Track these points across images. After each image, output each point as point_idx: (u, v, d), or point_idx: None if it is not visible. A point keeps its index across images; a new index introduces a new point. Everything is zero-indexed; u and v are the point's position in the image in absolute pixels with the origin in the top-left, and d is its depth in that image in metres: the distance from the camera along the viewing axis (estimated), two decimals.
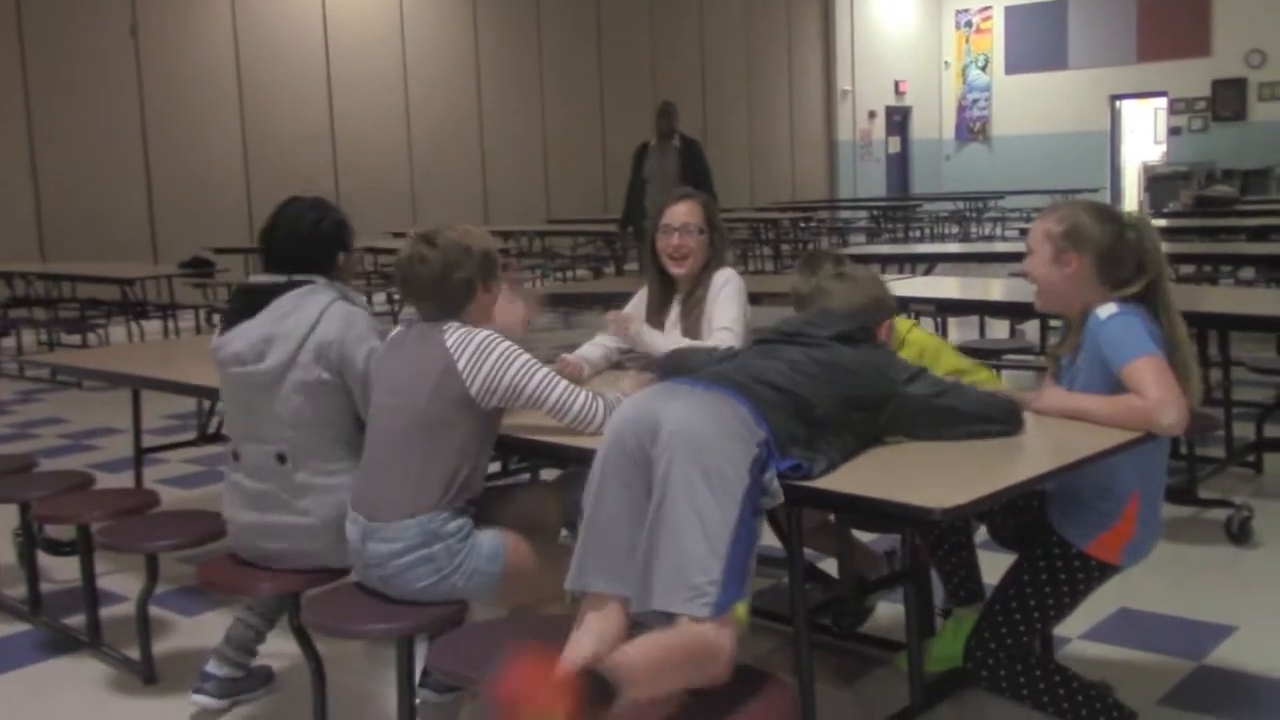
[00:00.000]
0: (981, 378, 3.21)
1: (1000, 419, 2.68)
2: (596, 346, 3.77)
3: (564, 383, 2.87)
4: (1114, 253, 2.80)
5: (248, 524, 3.14)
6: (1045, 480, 2.51)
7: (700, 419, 2.34)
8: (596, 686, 1.97)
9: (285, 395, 3.04)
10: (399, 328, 3.04)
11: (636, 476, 2.35)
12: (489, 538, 2.82)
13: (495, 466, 3.57)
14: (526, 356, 2.84)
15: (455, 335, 2.83)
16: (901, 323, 3.29)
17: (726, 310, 3.55)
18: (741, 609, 2.25)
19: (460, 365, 2.78)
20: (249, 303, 3.16)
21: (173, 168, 13.42)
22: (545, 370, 2.87)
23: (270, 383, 3.05)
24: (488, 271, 2.94)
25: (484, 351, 2.79)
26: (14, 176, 12.28)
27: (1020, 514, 2.93)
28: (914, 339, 3.29)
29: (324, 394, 3.04)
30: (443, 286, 2.87)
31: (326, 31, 14.77)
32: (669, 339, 3.58)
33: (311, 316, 3.05)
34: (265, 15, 14.17)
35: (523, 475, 3.98)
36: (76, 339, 9.85)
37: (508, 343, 2.84)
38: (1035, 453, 2.65)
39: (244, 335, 3.09)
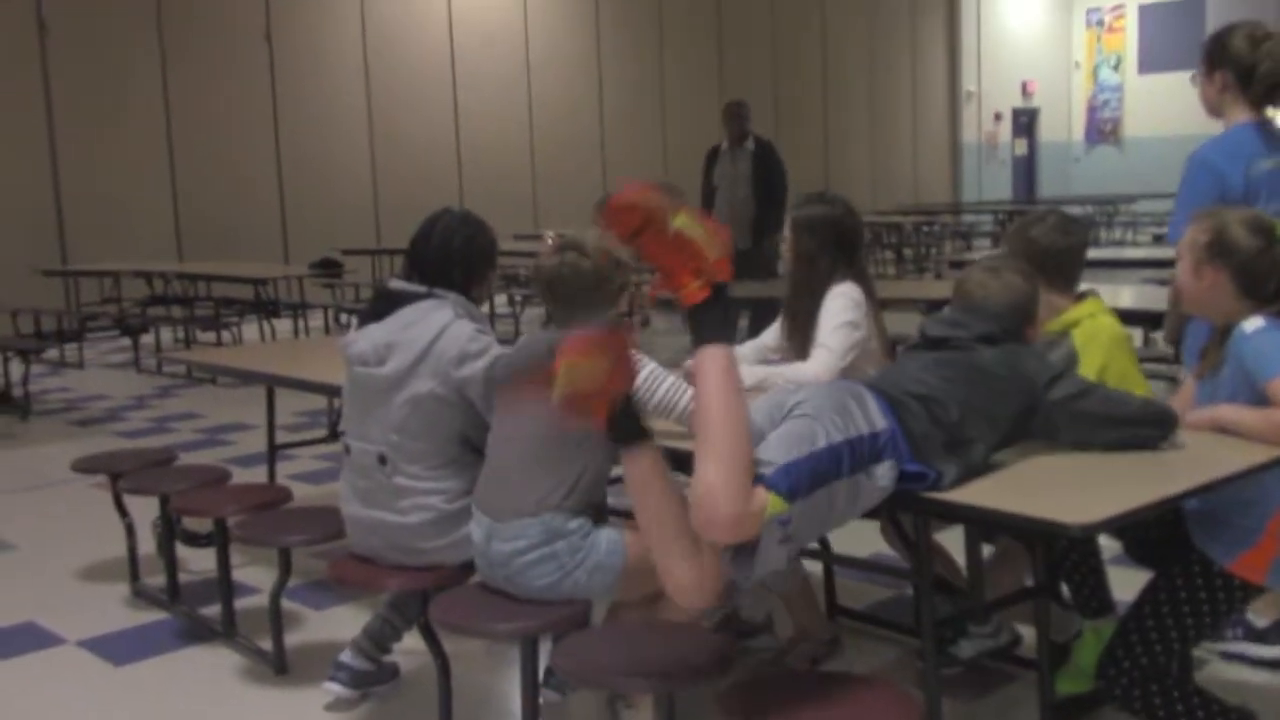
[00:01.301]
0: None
1: (1153, 424, 2.59)
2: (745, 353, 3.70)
3: (691, 391, 2.86)
4: (1256, 268, 2.70)
5: (355, 516, 3.24)
6: (1189, 497, 2.42)
7: (830, 388, 2.44)
8: None
9: (397, 403, 3.11)
10: (526, 335, 3.08)
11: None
12: (608, 533, 2.86)
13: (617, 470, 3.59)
14: (653, 365, 2.86)
15: None
16: (1090, 304, 3.19)
17: (826, 326, 3.41)
18: (777, 502, 2.17)
19: None
20: (383, 305, 3.24)
21: (303, 171, 13.78)
22: (672, 378, 2.88)
23: (386, 388, 3.12)
24: (628, 282, 2.99)
25: None
26: (154, 180, 12.73)
27: (1157, 529, 2.85)
28: (1093, 327, 3.15)
29: (432, 406, 3.10)
30: (596, 295, 2.91)
31: (452, 36, 15.02)
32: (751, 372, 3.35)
33: (433, 331, 3.10)
34: (393, 21, 14.46)
35: None
36: (211, 337, 10.17)
37: (634, 351, 2.84)
38: (1178, 467, 2.56)
39: (369, 337, 3.18)
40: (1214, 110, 3.58)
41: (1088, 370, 2.98)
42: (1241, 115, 3.45)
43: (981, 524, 2.44)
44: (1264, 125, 3.41)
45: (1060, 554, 3.07)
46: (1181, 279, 2.81)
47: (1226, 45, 3.45)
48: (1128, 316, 6.31)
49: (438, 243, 3.25)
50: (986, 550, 3.24)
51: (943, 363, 2.57)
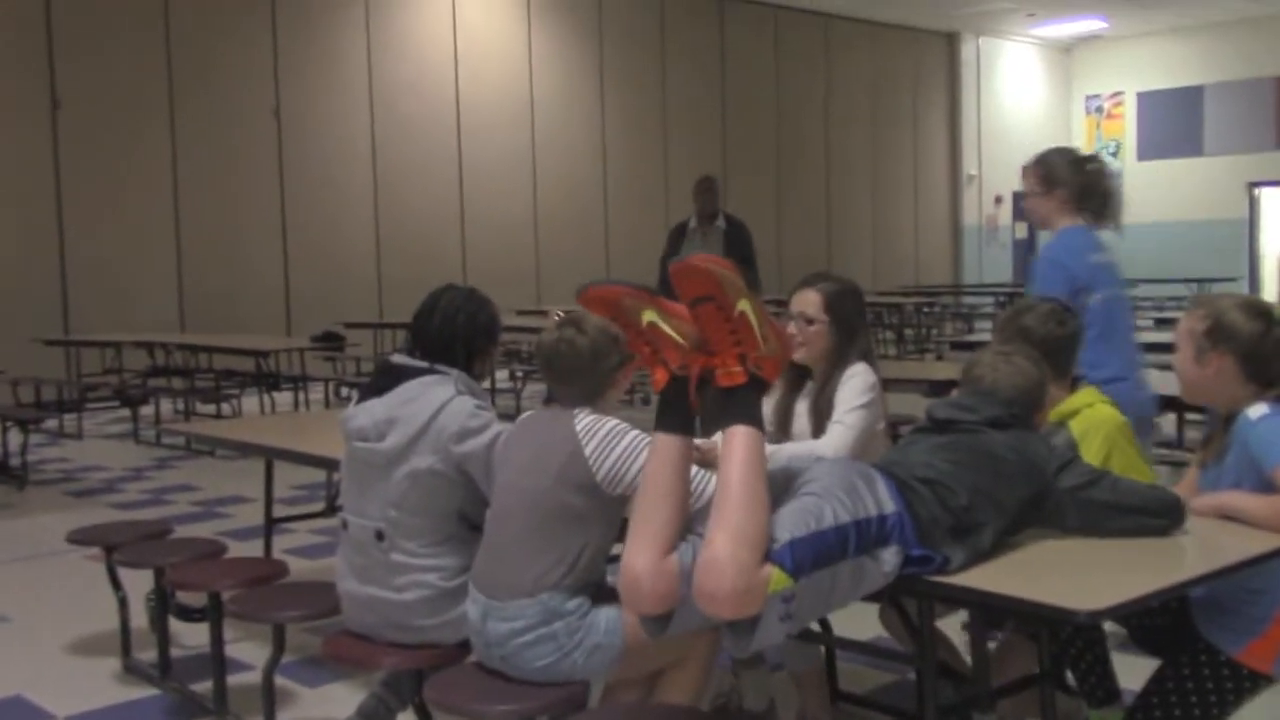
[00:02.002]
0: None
1: (1161, 513, 2.56)
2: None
3: (697, 472, 2.84)
4: (1260, 352, 2.69)
5: (351, 593, 3.21)
6: (1197, 585, 2.39)
7: (839, 467, 2.44)
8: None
9: (396, 478, 3.09)
10: (529, 411, 3.07)
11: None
12: (606, 613, 2.82)
13: (617, 548, 3.55)
14: (622, 426, 2.84)
15: (585, 421, 2.84)
16: (1086, 394, 3.17)
17: (844, 404, 3.35)
18: (781, 578, 2.16)
19: (588, 451, 2.79)
20: (385, 380, 3.23)
21: (308, 244, 13.86)
22: (631, 436, 2.83)
23: (385, 463, 3.10)
24: (627, 358, 2.96)
25: (612, 440, 2.80)
26: (159, 250, 12.81)
27: (1163, 616, 2.81)
28: (1092, 417, 3.14)
29: (432, 482, 3.08)
30: (591, 372, 2.91)
31: (459, 113, 15.19)
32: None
33: (433, 406, 3.09)
34: (401, 98, 14.64)
35: None
36: (211, 409, 10.15)
37: (636, 432, 2.84)
38: (1185, 554, 2.53)
39: (369, 412, 3.17)
40: (1045, 221, 4.26)
41: (1091, 460, 2.96)
42: (1069, 221, 4.17)
43: (986, 609, 2.40)
44: (1089, 228, 4.17)
45: (1066, 641, 3.03)
46: (1183, 367, 2.80)
47: (1059, 169, 4.17)
48: None
49: (441, 319, 3.25)
50: (992, 642, 3.20)
51: (950, 446, 2.55)
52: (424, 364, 3.21)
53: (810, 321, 3.41)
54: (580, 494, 2.79)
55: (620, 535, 2.99)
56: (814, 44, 19.47)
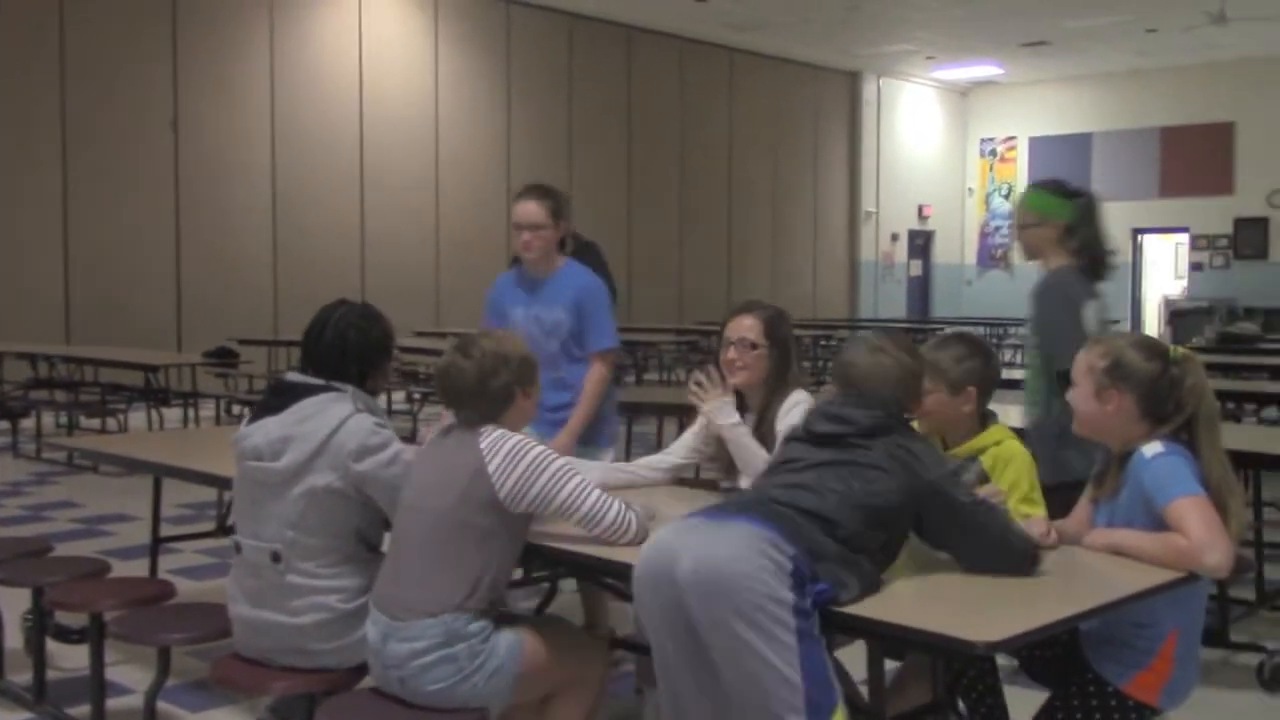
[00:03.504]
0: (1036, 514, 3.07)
1: (1017, 556, 2.59)
2: (635, 471, 3.64)
3: (596, 493, 2.85)
4: (1157, 391, 2.76)
5: (243, 617, 3.13)
6: (1090, 617, 2.45)
7: (722, 553, 2.38)
8: None
9: (292, 497, 3.03)
10: (435, 433, 3.04)
11: (678, 621, 2.43)
12: (506, 636, 2.81)
13: (517, 573, 3.51)
14: (560, 463, 2.84)
15: (490, 438, 2.84)
16: (998, 430, 3.21)
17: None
18: (840, 716, 2.32)
19: (491, 468, 2.78)
20: (279, 399, 3.17)
21: (203, 258, 13.57)
22: (579, 478, 2.86)
23: (281, 483, 3.04)
24: (526, 378, 2.97)
25: (516, 456, 2.79)
26: (45, 258, 12.43)
27: (1053, 647, 2.86)
28: (1003, 452, 3.16)
29: (330, 500, 3.03)
30: (481, 393, 2.90)
31: (362, 130, 15.03)
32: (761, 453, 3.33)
33: (331, 424, 3.05)
34: (303, 112, 14.44)
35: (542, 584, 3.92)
36: (96, 423, 9.86)
37: (540, 448, 2.84)
38: (1078, 588, 2.59)
39: (264, 431, 3.10)
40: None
41: (1001, 486, 3.03)
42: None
43: (886, 640, 2.43)
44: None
45: (958, 671, 3.07)
46: (1081, 404, 2.86)
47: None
48: (1016, 435, 6.44)
49: (332, 334, 3.21)
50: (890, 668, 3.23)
51: (831, 466, 2.59)
52: (319, 381, 3.16)
53: (754, 346, 3.44)
54: (484, 512, 2.77)
55: (519, 558, 2.98)
56: (718, 77, 19.69)
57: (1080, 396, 2.85)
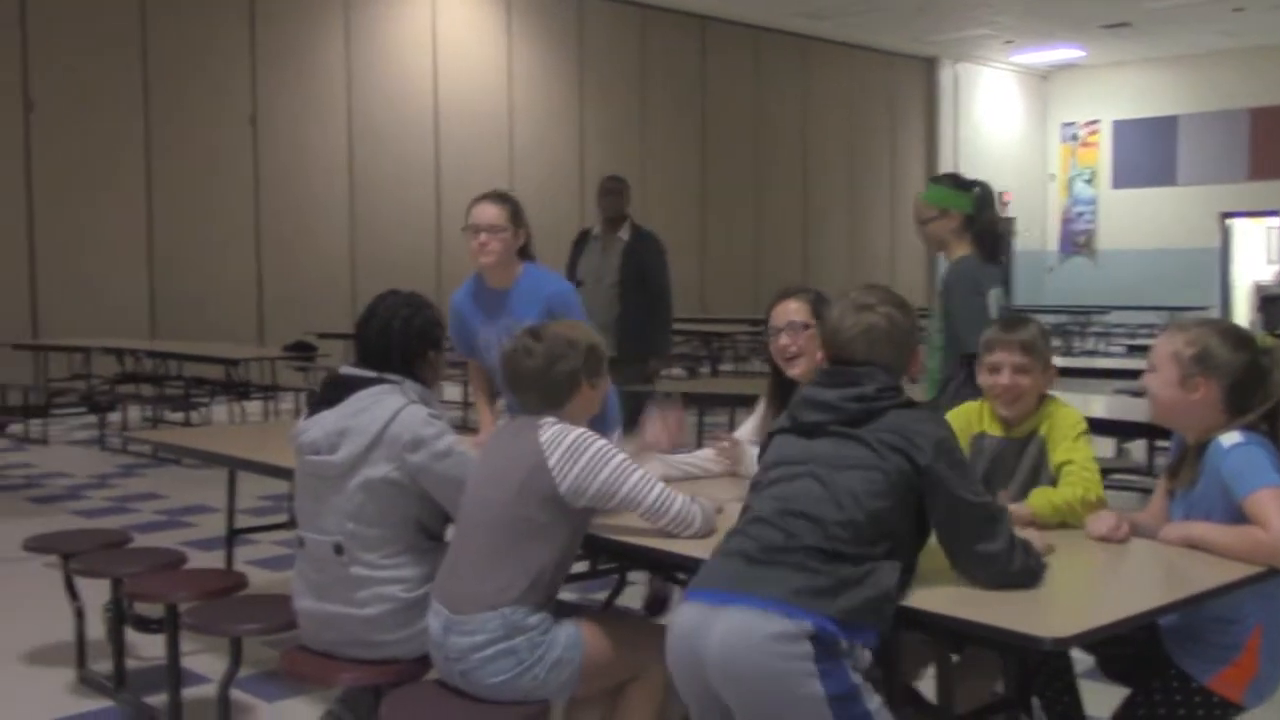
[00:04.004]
0: (1082, 489, 2.92)
1: (1016, 571, 2.36)
2: (696, 463, 3.59)
3: (660, 485, 2.82)
4: (1244, 381, 2.69)
5: (308, 610, 3.15)
6: (1164, 613, 2.37)
7: (741, 662, 2.26)
8: None
9: (351, 489, 3.04)
10: (502, 419, 3.04)
11: (717, 707, 2.36)
12: (566, 629, 2.79)
13: (582, 565, 3.51)
14: (621, 457, 2.81)
15: (550, 432, 2.81)
16: (1054, 402, 3.11)
17: None
18: None
19: (551, 463, 2.76)
20: (334, 393, 3.17)
21: (282, 253, 13.78)
22: (641, 472, 2.83)
23: (339, 475, 3.05)
24: (592, 367, 2.94)
25: (577, 450, 2.77)
26: (130, 256, 12.70)
27: (1131, 644, 2.79)
28: (1065, 418, 3.06)
29: (387, 491, 3.04)
30: (546, 379, 2.88)
31: (437, 124, 15.16)
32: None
33: (385, 415, 3.05)
34: (379, 108, 14.59)
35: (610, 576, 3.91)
36: (180, 416, 10.05)
37: (602, 442, 2.81)
38: (1153, 582, 2.51)
39: (321, 425, 3.11)
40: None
41: (1063, 448, 2.96)
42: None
43: (951, 634, 2.37)
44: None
45: (1033, 667, 3.00)
46: (1162, 391, 2.78)
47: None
48: (1099, 426, 6.32)
49: (378, 325, 3.22)
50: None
51: (823, 466, 2.40)
52: (372, 374, 3.16)
53: (806, 326, 3.40)
54: (543, 508, 2.75)
55: (585, 549, 2.96)
56: (792, 66, 19.54)
57: (1161, 382, 2.77)
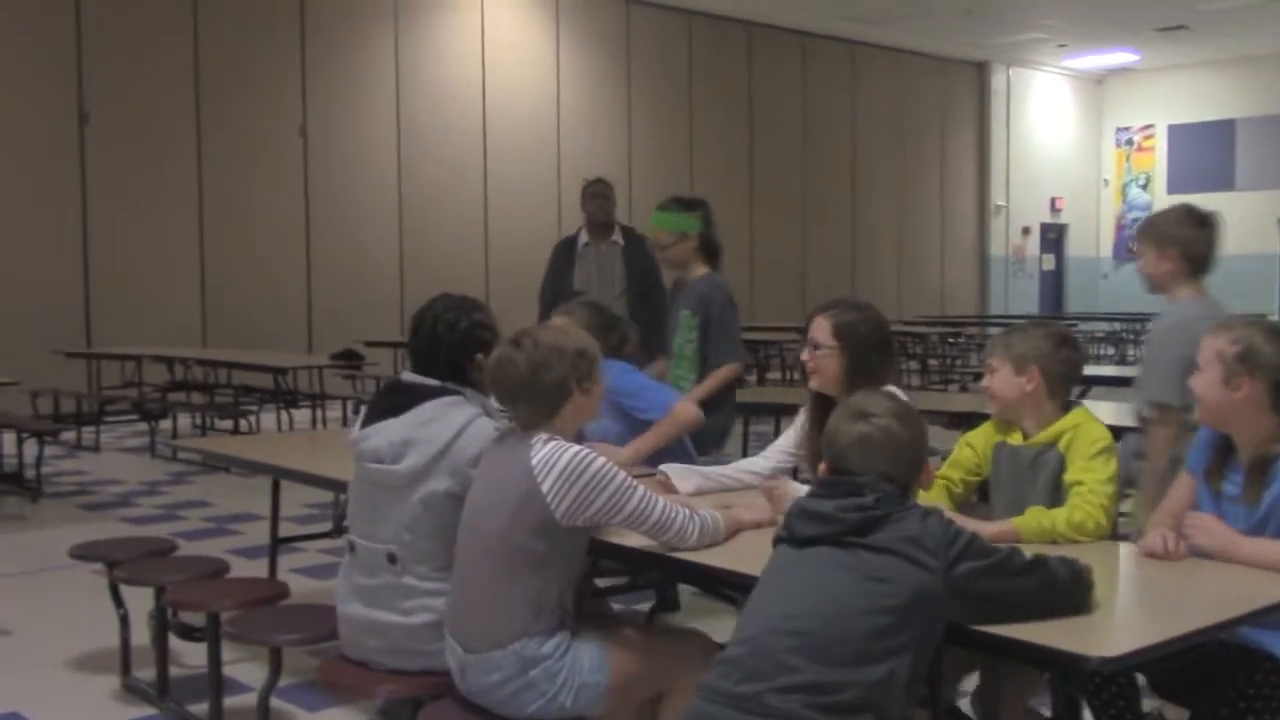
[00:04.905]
0: (1094, 503, 2.82)
1: (1072, 592, 2.25)
2: (731, 475, 3.55)
3: (662, 501, 2.74)
4: None
5: (353, 616, 3.10)
6: (1219, 631, 2.28)
7: None
8: None
9: (411, 501, 2.99)
10: (496, 434, 2.95)
11: None
12: (589, 650, 2.72)
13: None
14: (622, 478, 2.70)
15: (541, 453, 2.68)
16: (1079, 413, 3.04)
17: None
18: None
19: (545, 487, 2.64)
20: (398, 400, 3.12)
21: (332, 262, 13.88)
22: (642, 491, 2.72)
23: (401, 485, 3.01)
24: (583, 371, 2.79)
25: (573, 473, 2.65)
26: (182, 267, 12.84)
27: (1185, 658, 2.70)
28: (1088, 433, 2.98)
29: (446, 506, 2.99)
30: (533, 388, 2.75)
31: (485, 133, 15.21)
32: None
33: (453, 429, 3.00)
34: (427, 117, 14.66)
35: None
36: (229, 424, 10.12)
37: (601, 461, 2.68)
38: (1210, 596, 2.42)
39: (385, 433, 3.06)
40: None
41: (1077, 466, 2.90)
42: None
43: (995, 651, 2.30)
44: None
45: (1097, 686, 2.90)
46: (1207, 391, 2.72)
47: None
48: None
49: (426, 330, 3.17)
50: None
51: (822, 582, 2.24)
52: (435, 383, 3.11)
53: (817, 347, 3.35)
54: (538, 535, 2.66)
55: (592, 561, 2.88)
56: (840, 71, 19.44)
57: (1206, 382, 2.72)
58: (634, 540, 2.82)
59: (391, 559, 3.01)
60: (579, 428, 2.93)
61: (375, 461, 3.06)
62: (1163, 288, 3.79)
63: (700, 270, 4.92)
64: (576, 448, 2.69)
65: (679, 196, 4.99)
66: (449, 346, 3.15)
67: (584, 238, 6.58)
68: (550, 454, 2.66)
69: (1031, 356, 3.04)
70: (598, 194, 6.63)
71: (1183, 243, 3.74)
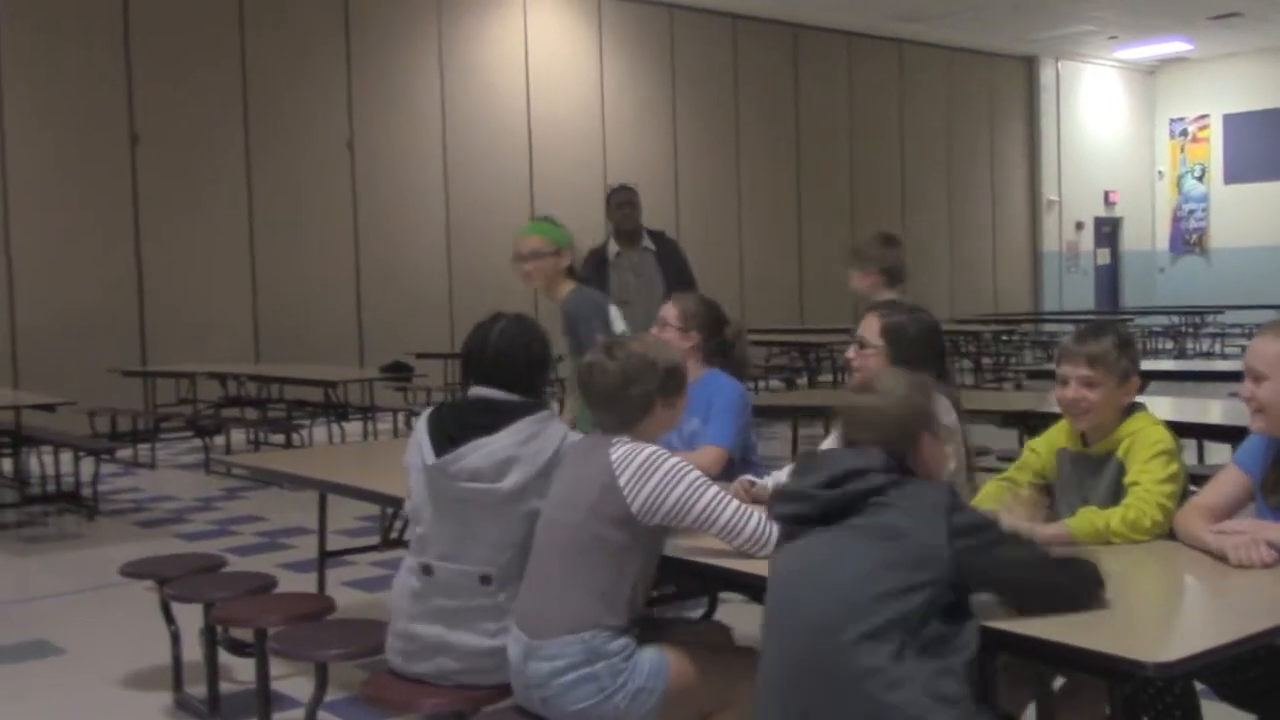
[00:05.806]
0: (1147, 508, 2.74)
1: (1073, 589, 2.22)
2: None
3: (735, 503, 2.73)
4: None
5: (426, 637, 3.00)
6: None
7: None
8: None
9: (515, 518, 2.93)
10: (579, 438, 2.97)
11: None
12: (650, 655, 2.71)
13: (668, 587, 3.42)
14: (695, 474, 2.74)
15: (620, 450, 2.75)
16: (1140, 418, 2.95)
17: None
18: None
19: (622, 482, 2.69)
20: (488, 419, 3.02)
21: (381, 275, 13.95)
22: (716, 489, 2.74)
23: (502, 503, 2.94)
24: (670, 388, 2.87)
25: (649, 469, 2.70)
26: (234, 283, 12.96)
27: (1255, 666, 2.61)
28: (1147, 437, 2.89)
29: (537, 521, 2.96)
30: (621, 398, 2.82)
31: (531, 143, 15.24)
32: None
33: (553, 444, 2.97)
34: (472, 129, 14.71)
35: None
36: (281, 438, 10.19)
37: (675, 459, 2.75)
38: (1272, 597, 2.34)
39: (486, 452, 2.96)
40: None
41: (1136, 468, 2.81)
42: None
43: (1049, 659, 2.23)
44: None
45: (1152, 696, 2.82)
46: (1275, 398, 2.62)
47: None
48: (1215, 432, 6.02)
49: (503, 347, 3.10)
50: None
51: (827, 562, 2.25)
52: (523, 399, 3.05)
53: (864, 345, 3.32)
54: (616, 527, 2.69)
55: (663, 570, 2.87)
56: (887, 70, 19.28)
57: (1273, 391, 2.61)
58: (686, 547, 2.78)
59: (485, 579, 2.94)
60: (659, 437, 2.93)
61: (473, 480, 2.96)
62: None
63: (566, 287, 4.81)
64: (653, 447, 2.77)
65: (547, 215, 5.05)
66: (526, 368, 3.11)
67: (614, 247, 6.55)
68: (628, 452, 2.74)
69: (1125, 367, 2.92)
70: (624, 202, 6.58)
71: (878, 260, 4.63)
